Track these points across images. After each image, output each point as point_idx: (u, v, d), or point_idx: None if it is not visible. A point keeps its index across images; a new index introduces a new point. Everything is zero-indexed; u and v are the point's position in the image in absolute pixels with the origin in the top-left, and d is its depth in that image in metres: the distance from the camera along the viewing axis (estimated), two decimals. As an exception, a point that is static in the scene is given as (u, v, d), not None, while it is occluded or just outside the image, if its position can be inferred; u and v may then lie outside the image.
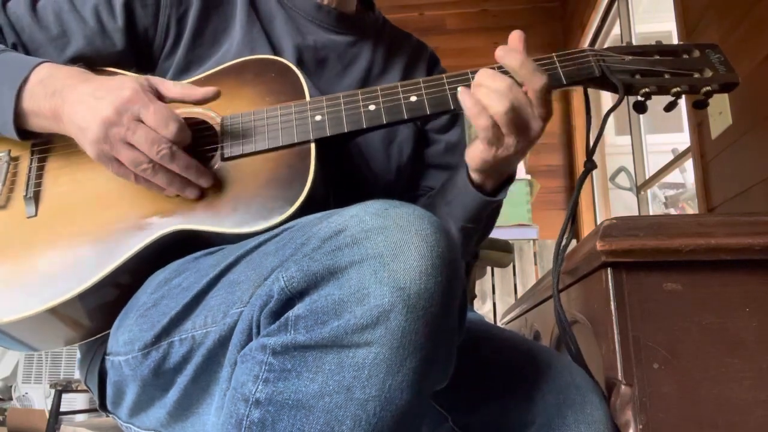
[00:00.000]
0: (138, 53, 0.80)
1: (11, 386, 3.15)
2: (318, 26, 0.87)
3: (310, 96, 0.72)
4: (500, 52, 0.69)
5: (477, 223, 0.79)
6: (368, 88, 0.73)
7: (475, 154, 0.71)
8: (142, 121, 0.64)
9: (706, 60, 0.74)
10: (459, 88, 0.69)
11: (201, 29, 0.81)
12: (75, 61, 0.76)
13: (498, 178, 0.75)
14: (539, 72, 0.68)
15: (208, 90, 0.69)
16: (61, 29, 0.77)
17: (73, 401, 2.72)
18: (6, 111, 0.69)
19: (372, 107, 0.71)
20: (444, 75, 0.72)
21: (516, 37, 0.71)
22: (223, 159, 0.70)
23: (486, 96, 0.67)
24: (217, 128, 0.72)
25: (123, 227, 0.68)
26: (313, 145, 0.69)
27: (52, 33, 0.77)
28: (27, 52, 0.76)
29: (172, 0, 0.80)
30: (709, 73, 0.72)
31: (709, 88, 0.71)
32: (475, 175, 0.75)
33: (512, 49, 0.69)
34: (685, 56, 0.74)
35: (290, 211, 0.64)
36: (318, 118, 0.70)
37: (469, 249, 0.84)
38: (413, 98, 0.71)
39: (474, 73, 0.71)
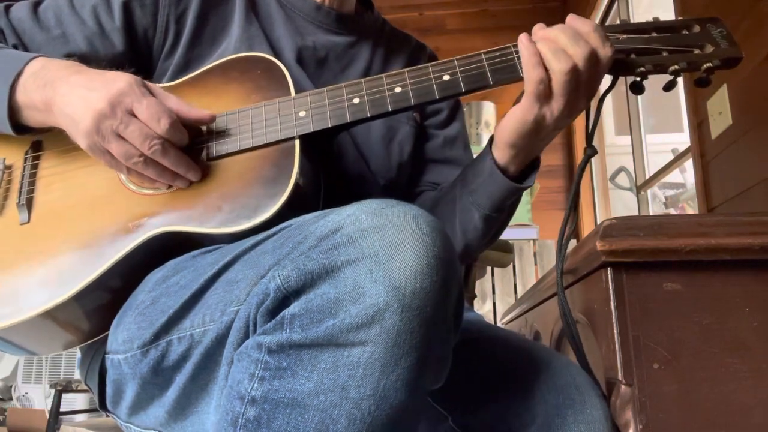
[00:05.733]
0: (138, 54, 0.80)
1: (11, 386, 3.15)
2: (317, 27, 0.87)
3: (296, 92, 0.72)
4: (571, 18, 0.68)
5: (500, 212, 0.78)
6: (352, 81, 0.72)
7: (514, 115, 0.68)
8: (135, 115, 0.64)
9: (707, 35, 0.70)
10: (521, 36, 0.66)
11: (200, 29, 0.81)
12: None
13: (524, 159, 0.73)
14: (609, 42, 0.66)
15: (204, 115, 0.69)
16: (61, 31, 0.78)
17: (73, 401, 2.72)
18: (0, 106, 0.69)
19: (356, 100, 0.70)
20: (429, 64, 0.71)
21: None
22: (209, 158, 0.70)
23: (549, 49, 0.65)
24: (204, 128, 0.72)
25: (113, 230, 0.68)
26: (297, 142, 0.68)
27: (52, 34, 0.78)
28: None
29: None
30: (710, 49, 0.69)
31: (710, 64, 0.68)
32: (503, 153, 0.72)
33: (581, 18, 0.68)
34: (685, 32, 0.71)
35: (274, 208, 0.64)
36: (302, 113, 0.70)
37: (488, 240, 0.83)
38: (398, 89, 0.70)
39: (461, 59, 0.70)
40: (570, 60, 0.64)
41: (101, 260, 0.67)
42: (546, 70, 0.65)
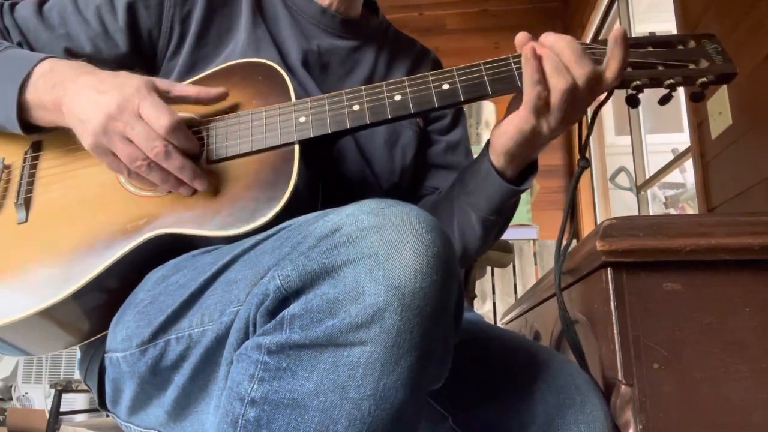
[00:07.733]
0: (142, 54, 0.81)
1: (11, 386, 3.15)
2: (322, 30, 0.87)
3: (296, 98, 0.72)
4: (551, 38, 0.66)
5: (499, 215, 0.77)
6: (353, 88, 0.72)
7: (510, 125, 0.68)
8: (142, 117, 0.64)
9: (702, 50, 0.71)
10: (525, 50, 0.65)
11: (205, 30, 0.81)
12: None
13: (521, 163, 0.73)
14: (588, 59, 0.65)
15: (218, 90, 0.71)
16: (65, 30, 0.78)
17: (73, 401, 2.72)
18: (9, 105, 0.70)
19: (356, 107, 0.70)
20: (429, 73, 0.71)
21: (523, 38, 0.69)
22: (209, 162, 0.70)
23: (552, 65, 0.64)
24: (204, 131, 0.72)
25: (110, 231, 0.68)
26: (296, 147, 0.69)
27: (56, 33, 0.78)
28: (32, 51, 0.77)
29: (176, 0, 0.80)
30: (704, 64, 0.70)
31: (704, 79, 0.69)
32: (499, 159, 0.72)
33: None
34: (680, 47, 0.73)
35: (273, 212, 0.64)
36: (302, 119, 0.70)
37: (487, 244, 0.83)
38: (397, 97, 0.70)
39: (460, 69, 0.70)
40: (570, 78, 0.64)
41: (99, 261, 0.67)
42: (546, 86, 0.65)
